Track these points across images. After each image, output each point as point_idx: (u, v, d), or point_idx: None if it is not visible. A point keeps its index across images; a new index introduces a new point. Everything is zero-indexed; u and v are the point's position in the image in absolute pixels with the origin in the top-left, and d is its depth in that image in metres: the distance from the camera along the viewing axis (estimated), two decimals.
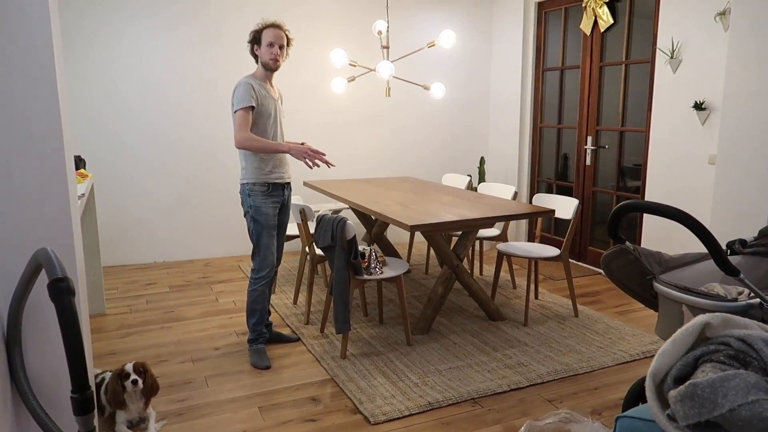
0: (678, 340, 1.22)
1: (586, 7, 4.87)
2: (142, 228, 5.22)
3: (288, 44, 3.19)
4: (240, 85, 3.09)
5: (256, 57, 3.21)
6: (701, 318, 1.22)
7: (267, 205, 3.19)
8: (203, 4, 5.04)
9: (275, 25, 3.13)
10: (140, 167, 5.12)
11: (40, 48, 1.81)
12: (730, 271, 1.90)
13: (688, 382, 1.09)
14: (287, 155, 3.25)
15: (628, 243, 2.18)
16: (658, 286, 2.10)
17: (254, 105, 3.05)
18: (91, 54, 4.82)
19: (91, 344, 2.50)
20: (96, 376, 2.57)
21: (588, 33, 4.92)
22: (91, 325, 3.67)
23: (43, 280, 1.48)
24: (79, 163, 3.79)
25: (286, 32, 3.17)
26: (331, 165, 3.44)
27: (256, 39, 3.17)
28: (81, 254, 2.14)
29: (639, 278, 2.21)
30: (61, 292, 1.31)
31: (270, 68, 3.15)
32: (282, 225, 3.37)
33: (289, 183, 3.33)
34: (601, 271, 2.29)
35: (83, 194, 3.07)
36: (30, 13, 1.79)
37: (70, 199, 1.90)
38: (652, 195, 4.35)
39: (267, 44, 3.10)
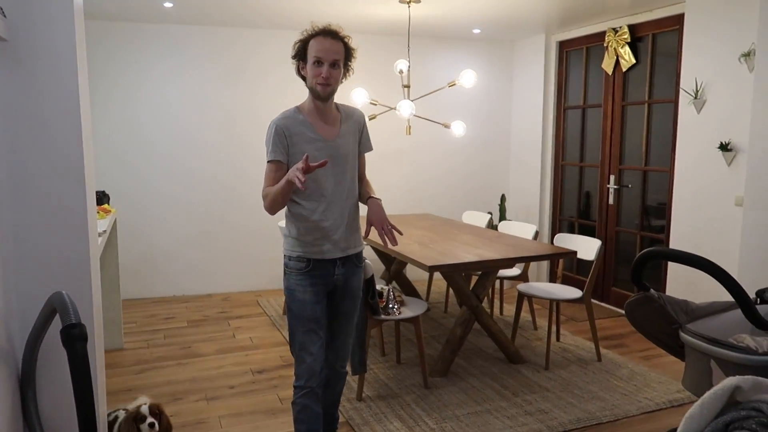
0: (706, 404, 1.16)
1: (607, 46, 4.87)
2: (163, 261, 5.26)
3: (349, 57, 2.30)
4: (268, 128, 2.29)
5: (304, 78, 2.31)
6: (731, 381, 1.16)
7: (304, 289, 2.31)
8: (227, 42, 5.16)
9: (327, 32, 2.23)
10: (162, 201, 5.19)
11: (65, 84, 1.86)
12: (760, 323, 1.83)
13: None
14: (348, 219, 2.36)
15: (652, 291, 2.12)
16: (684, 336, 2.03)
17: (281, 160, 2.25)
18: (117, 91, 4.96)
19: (105, 382, 2.48)
20: (109, 414, 2.55)
21: (610, 72, 4.91)
22: (108, 360, 3.67)
23: (58, 322, 1.48)
24: (103, 198, 3.85)
25: (345, 39, 2.27)
26: (393, 242, 2.30)
27: (301, 53, 2.27)
28: (98, 294, 2.15)
29: (664, 327, 2.14)
30: (74, 338, 1.31)
31: (318, 96, 2.25)
32: (342, 313, 2.44)
33: (350, 257, 2.38)
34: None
35: (104, 230, 3.10)
36: (57, 50, 1.85)
37: (90, 240, 1.92)
38: (677, 235, 4.26)
39: (313, 62, 2.21)
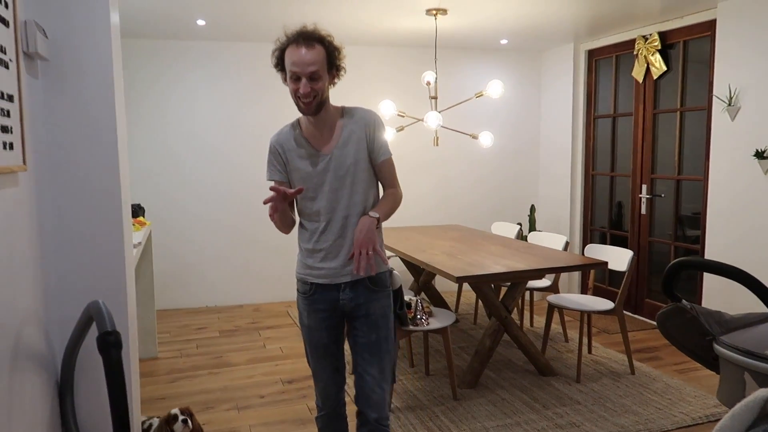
0: (737, 416, 1.14)
1: (637, 54, 4.82)
2: (195, 272, 5.36)
3: (334, 58, 2.00)
4: (269, 147, 2.17)
5: None
6: (763, 392, 1.14)
7: (308, 314, 2.16)
8: (256, 57, 5.27)
9: (300, 39, 1.95)
10: (195, 214, 5.30)
11: (103, 101, 1.93)
12: None
13: None
14: (353, 238, 2.04)
15: (684, 301, 2.08)
16: (718, 348, 1.98)
17: (279, 179, 2.12)
18: (147, 105, 5.10)
19: (139, 390, 2.55)
20: (143, 423, 2.61)
21: (640, 80, 4.85)
22: (143, 369, 3.75)
23: (95, 330, 1.53)
24: (138, 211, 3.96)
25: (325, 41, 1.98)
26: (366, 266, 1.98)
27: (281, 64, 2.03)
28: (134, 303, 2.21)
29: (698, 338, 2.09)
30: (109, 345, 1.35)
31: (303, 112, 2.03)
32: (360, 344, 2.14)
33: (360, 280, 2.09)
34: None
35: (140, 242, 3.19)
36: (95, 69, 1.92)
37: (126, 251, 1.98)
38: (712, 245, 4.16)
39: (290, 76, 1.98)
